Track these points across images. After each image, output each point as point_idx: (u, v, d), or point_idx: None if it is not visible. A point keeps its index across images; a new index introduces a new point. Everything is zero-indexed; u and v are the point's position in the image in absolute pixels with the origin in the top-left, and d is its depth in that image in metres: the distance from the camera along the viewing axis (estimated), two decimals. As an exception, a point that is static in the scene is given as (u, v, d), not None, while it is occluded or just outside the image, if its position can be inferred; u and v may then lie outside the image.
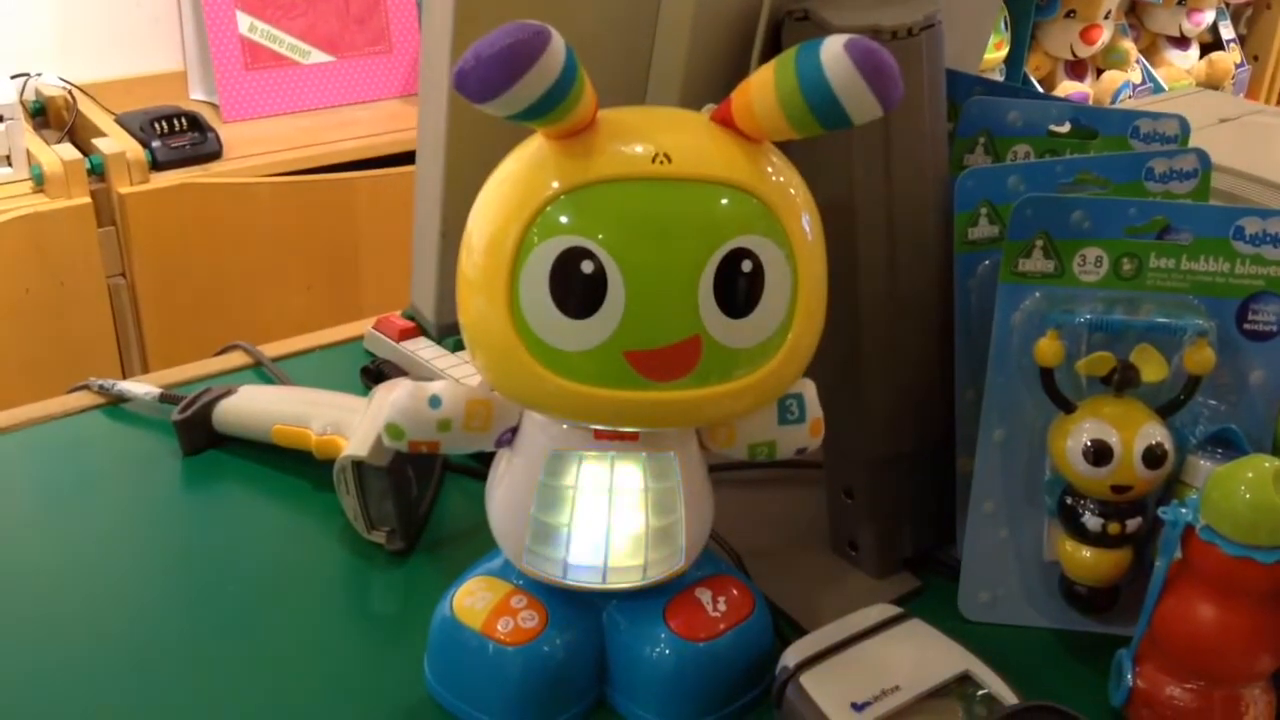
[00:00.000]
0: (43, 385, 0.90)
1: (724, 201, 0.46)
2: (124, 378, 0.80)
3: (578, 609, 0.54)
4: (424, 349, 0.81)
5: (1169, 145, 0.64)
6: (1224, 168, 0.81)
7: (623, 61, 0.56)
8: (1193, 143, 0.63)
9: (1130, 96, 2.29)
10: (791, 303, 0.47)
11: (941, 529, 0.64)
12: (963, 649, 0.54)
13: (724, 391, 0.47)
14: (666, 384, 0.46)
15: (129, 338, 1.49)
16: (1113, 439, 0.55)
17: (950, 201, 0.59)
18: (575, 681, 0.54)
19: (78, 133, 1.54)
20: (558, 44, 0.41)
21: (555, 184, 0.45)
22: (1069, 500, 0.58)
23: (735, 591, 0.55)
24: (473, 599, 0.54)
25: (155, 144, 1.47)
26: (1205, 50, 2.47)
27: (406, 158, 1.58)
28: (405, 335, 0.82)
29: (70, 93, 1.58)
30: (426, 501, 0.69)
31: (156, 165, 1.46)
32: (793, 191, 0.48)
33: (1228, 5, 2.44)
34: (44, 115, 1.59)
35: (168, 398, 0.76)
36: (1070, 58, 2.26)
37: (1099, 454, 0.55)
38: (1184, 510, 0.51)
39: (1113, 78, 2.31)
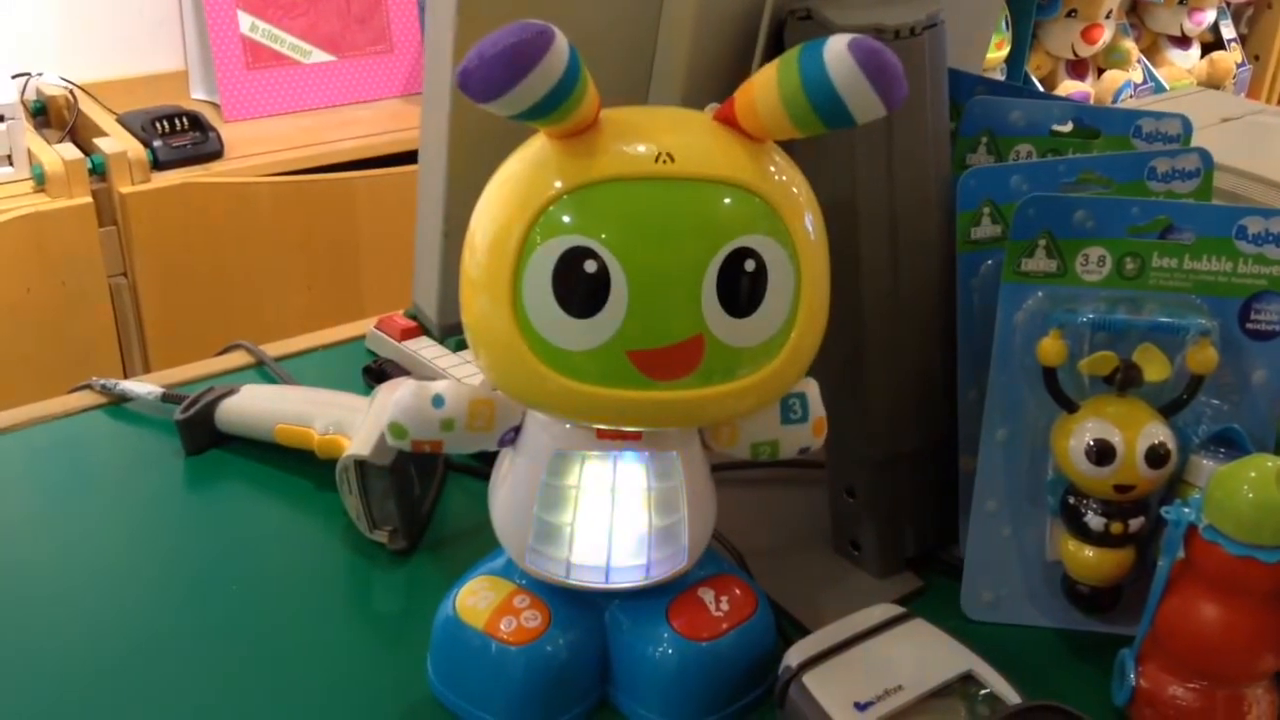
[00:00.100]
0: (44, 385, 0.90)
1: (727, 201, 0.46)
2: (125, 377, 0.80)
3: (580, 609, 0.54)
4: (426, 348, 0.81)
5: (1171, 145, 0.64)
6: (1226, 167, 0.81)
7: (625, 60, 0.56)
8: (1195, 142, 0.63)
9: (1131, 96, 2.29)
10: (794, 302, 0.47)
11: (944, 529, 0.64)
12: (965, 648, 0.54)
13: (727, 391, 0.47)
14: (669, 383, 0.46)
15: (130, 337, 1.49)
16: (1115, 438, 0.55)
17: (953, 201, 0.59)
18: (578, 681, 0.54)
19: (79, 132, 1.54)
20: (561, 43, 0.41)
21: (558, 184, 0.45)
22: (1072, 500, 0.58)
23: (738, 591, 0.55)
24: (475, 598, 0.54)
25: (156, 143, 1.47)
26: (1206, 50, 2.47)
27: (408, 157, 1.58)
28: (407, 335, 0.82)
29: (71, 92, 1.58)
30: (429, 501, 0.69)
31: (158, 165, 1.46)
32: (795, 191, 0.48)
33: (1229, 5, 2.44)
34: (45, 115, 1.59)
35: (170, 397, 0.76)
36: (1071, 57, 2.26)
37: (1101, 453, 0.55)
38: (1187, 510, 0.51)
39: (1114, 77, 2.31)
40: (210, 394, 0.74)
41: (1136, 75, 2.33)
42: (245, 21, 1.65)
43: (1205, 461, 0.57)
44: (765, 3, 0.56)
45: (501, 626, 0.53)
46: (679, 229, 0.45)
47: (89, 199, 1.40)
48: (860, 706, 0.50)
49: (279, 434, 0.72)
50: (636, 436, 0.50)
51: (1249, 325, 0.58)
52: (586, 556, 0.52)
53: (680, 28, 0.55)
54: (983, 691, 0.52)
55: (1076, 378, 0.57)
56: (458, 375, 0.77)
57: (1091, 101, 2.10)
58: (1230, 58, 2.43)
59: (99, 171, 1.42)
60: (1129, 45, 2.33)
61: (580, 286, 0.45)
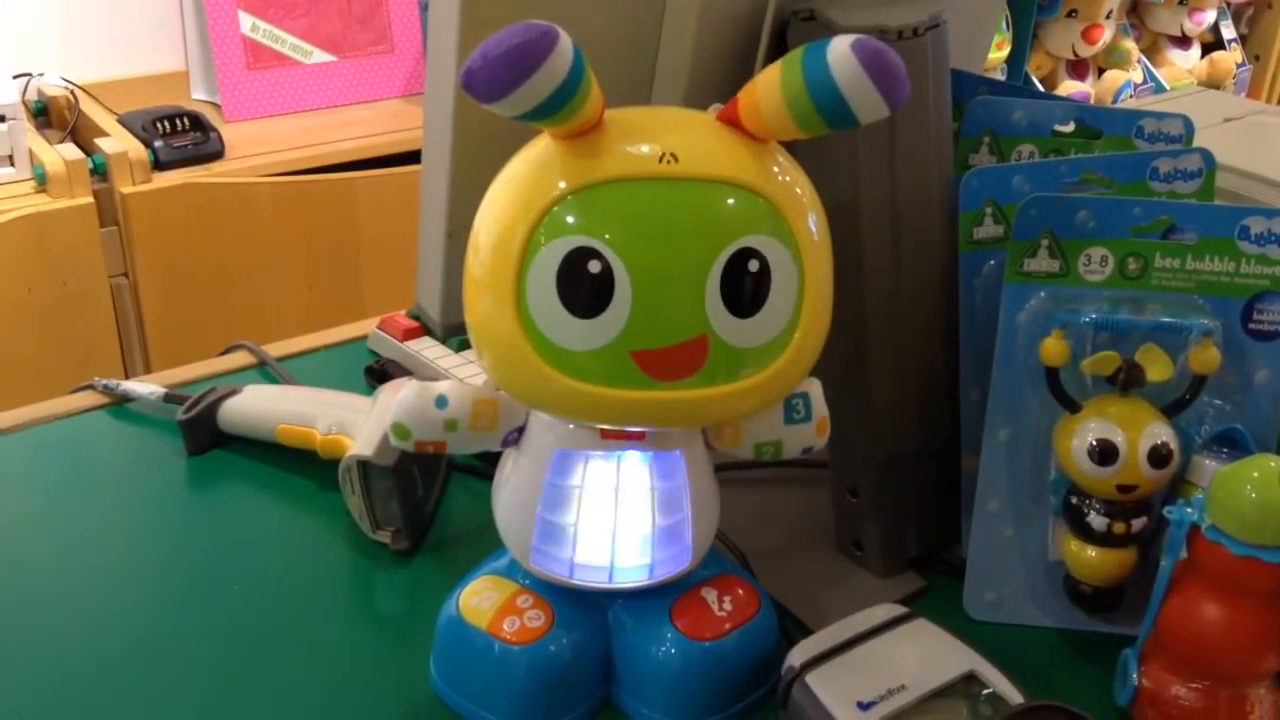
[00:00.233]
0: (45, 385, 0.90)
1: (731, 201, 0.46)
2: (126, 377, 0.80)
3: (584, 608, 0.54)
4: (428, 349, 0.81)
5: (1173, 145, 0.64)
6: (1228, 167, 0.81)
7: (628, 61, 0.56)
8: (1197, 142, 0.63)
9: (1132, 96, 2.29)
10: (798, 303, 0.47)
11: (946, 528, 0.64)
12: (968, 648, 0.54)
13: (730, 391, 0.47)
14: (673, 384, 0.46)
15: (131, 337, 1.49)
16: (1118, 438, 0.55)
17: (955, 201, 0.59)
18: (581, 681, 0.54)
19: (80, 132, 1.54)
20: (565, 44, 0.41)
21: (562, 184, 0.45)
22: (1074, 500, 0.58)
23: (741, 591, 0.55)
24: (479, 598, 0.54)
25: (157, 144, 1.47)
26: (1206, 50, 2.47)
27: (409, 157, 1.58)
28: (410, 335, 0.82)
29: (72, 92, 1.58)
30: (432, 501, 0.69)
31: (159, 165, 1.46)
32: (799, 191, 0.48)
33: (1229, 5, 2.44)
34: (46, 115, 1.59)
35: (172, 397, 0.76)
36: (1072, 57, 2.26)
37: (1104, 453, 0.55)
38: (1189, 510, 0.51)
39: (1114, 77, 2.31)
40: (212, 394, 0.74)
41: (1137, 75, 2.33)
42: (246, 22, 1.65)
43: (1208, 462, 0.57)
44: (768, 3, 0.56)
45: (505, 626, 0.53)
46: (683, 229, 0.45)
47: (90, 199, 1.40)
48: (863, 706, 0.50)
49: (281, 434, 0.72)
50: (640, 436, 0.50)
51: (1251, 325, 0.58)
52: (590, 556, 0.52)
53: (683, 28, 0.55)
54: (985, 691, 0.52)
55: (1079, 378, 0.58)
56: (460, 375, 0.77)
57: (1092, 101, 2.11)
58: (1230, 58, 2.43)
59: (100, 172, 1.42)
60: (1129, 45, 2.33)
61: (584, 287, 0.45)
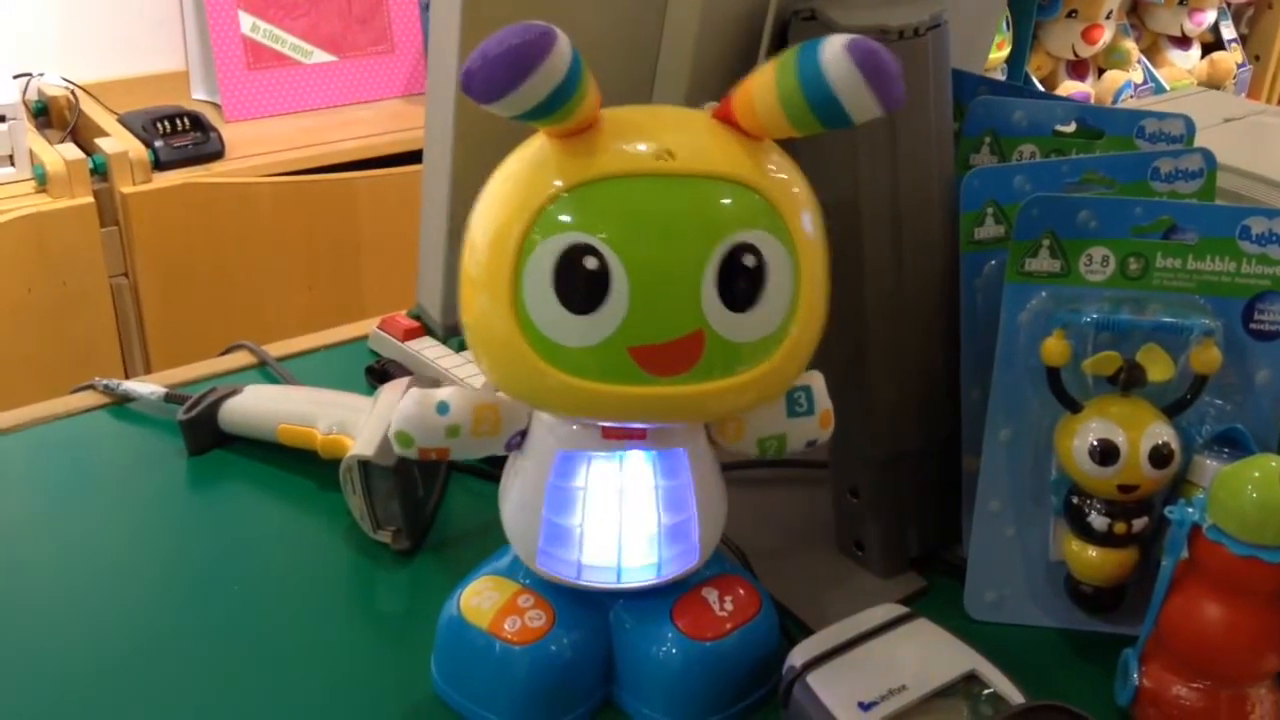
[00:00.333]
0: (45, 385, 0.90)
1: (727, 198, 0.46)
2: (126, 377, 0.80)
3: (585, 608, 0.54)
4: (429, 349, 0.81)
5: (1174, 145, 0.64)
6: (1229, 167, 0.81)
7: (629, 60, 0.56)
8: (1198, 143, 0.63)
9: (1132, 96, 2.29)
10: (794, 298, 0.47)
11: (947, 528, 0.64)
12: (969, 648, 0.54)
13: (727, 386, 0.47)
14: (670, 379, 0.46)
15: (131, 337, 1.49)
16: (1119, 438, 0.55)
17: (956, 201, 0.59)
18: (582, 681, 0.54)
19: (80, 132, 1.54)
20: (564, 44, 0.41)
21: (558, 182, 0.45)
22: (1075, 500, 0.58)
23: (742, 591, 0.55)
24: (480, 598, 0.54)
25: (158, 144, 1.47)
26: (1206, 50, 2.47)
27: (409, 157, 1.58)
28: (410, 335, 0.82)
29: (73, 92, 1.58)
30: (432, 501, 0.69)
31: (159, 165, 1.46)
32: (795, 189, 0.48)
33: (1229, 5, 2.44)
34: (46, 115, 1.59)
35: (173, 397, 0.76)
36: (1072, 57, 2.26)
37: (1105, 453, 0.55)
38: (1190, 510, 0.51)
39: (1114, 77, 2.31)
40: (213, 394, 0.74)
41: (1137, 76, 2.33)
42: (246, 22, 1.65)
43: (1209, 461, 0.57)
44: (769, 3, 0.56)
45: (506, 626, 0.53)
46: (680, 225, 0.45)
47: (90, 199, 1.40)
48: (864, 706, 0.50)
49: (282, 434, 0.72)
50: (641, 436, 0.50)
51: (1252, 325, 0.58)
52: (597, 557, 0.52)
53: (684, 28, 0.55)
54: (986, 691, 0.52)
55: (1080, 378, 0.58)
56: (460, 375, 0.77)
57: (1092, 102, 2.11)
58: (1230, 58, 2.44)
59: (100, 172, 1.42)
60: (1129, 46, 2.33)
61: (581, 283, 0.45)
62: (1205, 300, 0.57)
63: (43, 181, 1.38)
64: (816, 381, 0.54)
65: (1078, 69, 2.30)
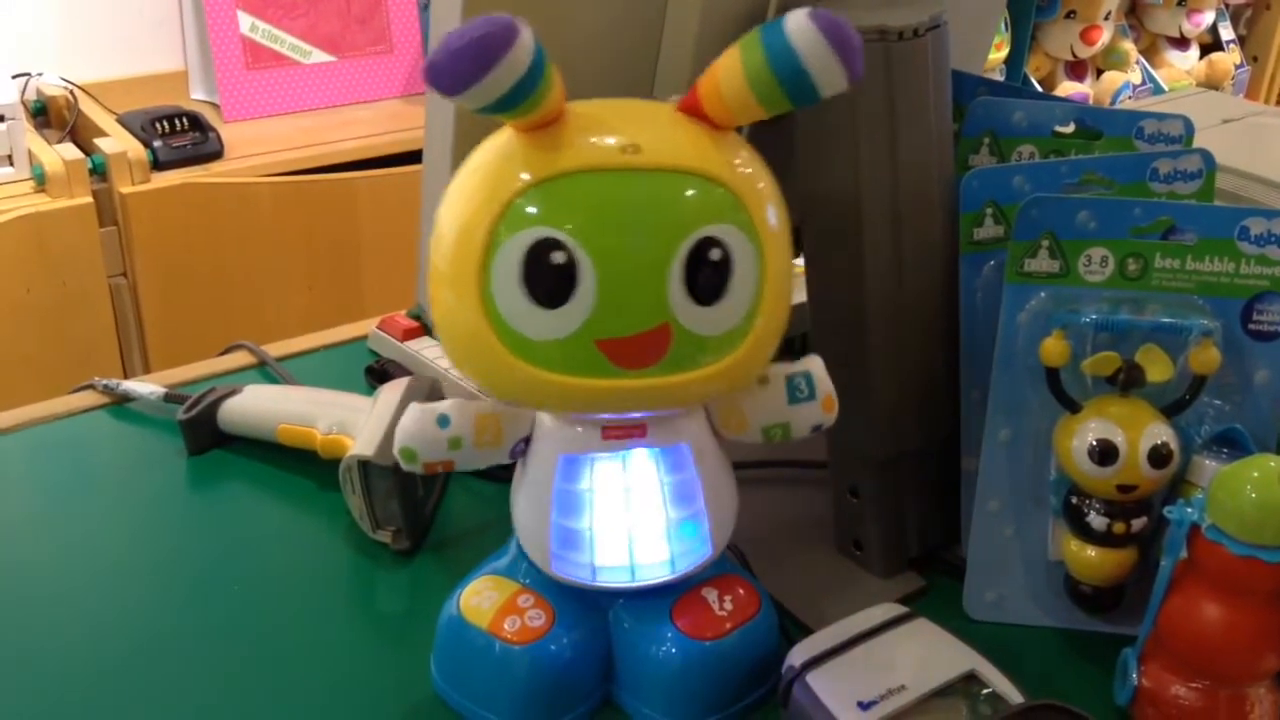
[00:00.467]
0: (44, 385, 0.90)
1: (692, 191, 0.46)
2: (126, 377, 0.80)
3: (585, 608, 0.54)
4: (428, 349, 0.81)
5: (1173, 146, 0.65)
6: (1228, 168, 0.81)
7: (629, 61, 0.56)
8: (1196, 143, 0.63)
9: (1130, 97, 2.29)
10: (759, 291, 0.48)
11: (947, 528, 0.64)
12: (968, 648, 0.54)
13: (693, 378, 0.48)
14: (637, 372, 0.46)
15: (130, 337, 1.49)
16: (1118, 439, 0.55)
17: (956, 202, 0.59)
18: (582, 680, 0.54)
19: (79, 132, 1.54)
20: (526, 36, 0.42)
21: (525, 176, 0.45)
22: (1074, 500, 0.58)
23: (741, 591, 0.55)
24: (479, 598, 0.54)
25: (157, 144, 1.47)
26: (1205, 51, 2.47)
27: (408, 157, 1.58)
28: (410, 335, 0.82)
29: (71, 92, 1.58)
30: (432, 501, 0.69)
31: (158, 165, 1.46)
32: (760, 183, 0.48)
33: (1227, 6, 2.44)
34: (45, 115, 1.59)
35: (172, 397, 0.76)
36: (1070, 58, 2.26)
37: (1104, 453, 0.56)
38: (1189, 510, 0.51)
39: (1113, 78, 2.31)
40: (213, 394, 0.74)
41: (1135, 76, 2.34)
42: (245, 22, 1.65)
43: (1208, 462, 0.57)
44: (769, 3, 0.56)
45: (505, 626, 0.53)
46: (646, 219, 0.46)
47: (89, 199, 1.40)
48: (863, 706, 0.51)
49: (281, 434, 0.72)
50: (642, 433, 0.50)
51: (1251, 326, 0.58)
52: (610, 558, 0.52)
53: (684, 28, 0.55)
54: (985, 691, 0.52)
55: (1079, 378, 0.58)
56: (458, 375, 0.77)
57: (1090, 102, 2.11)
58: (1229, 59, 2.44)
59: (99, 171, 1.42)
60: (1128, 46, 2.33)
61: (548, 277, 0.45)
62: (1204, 301, 0.58)
63: (42, 181, 1.38)
64: (816, 366, 0.54)
65: (1076, 70, 2.30)
